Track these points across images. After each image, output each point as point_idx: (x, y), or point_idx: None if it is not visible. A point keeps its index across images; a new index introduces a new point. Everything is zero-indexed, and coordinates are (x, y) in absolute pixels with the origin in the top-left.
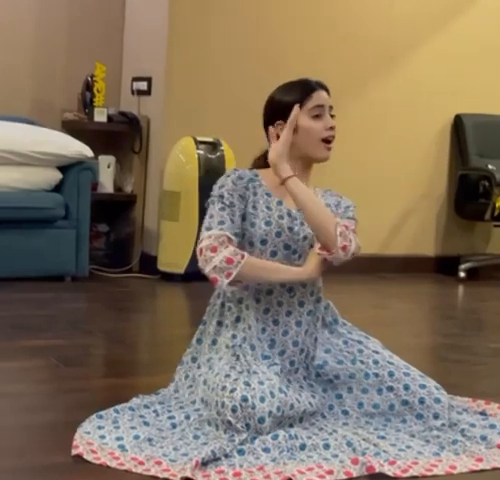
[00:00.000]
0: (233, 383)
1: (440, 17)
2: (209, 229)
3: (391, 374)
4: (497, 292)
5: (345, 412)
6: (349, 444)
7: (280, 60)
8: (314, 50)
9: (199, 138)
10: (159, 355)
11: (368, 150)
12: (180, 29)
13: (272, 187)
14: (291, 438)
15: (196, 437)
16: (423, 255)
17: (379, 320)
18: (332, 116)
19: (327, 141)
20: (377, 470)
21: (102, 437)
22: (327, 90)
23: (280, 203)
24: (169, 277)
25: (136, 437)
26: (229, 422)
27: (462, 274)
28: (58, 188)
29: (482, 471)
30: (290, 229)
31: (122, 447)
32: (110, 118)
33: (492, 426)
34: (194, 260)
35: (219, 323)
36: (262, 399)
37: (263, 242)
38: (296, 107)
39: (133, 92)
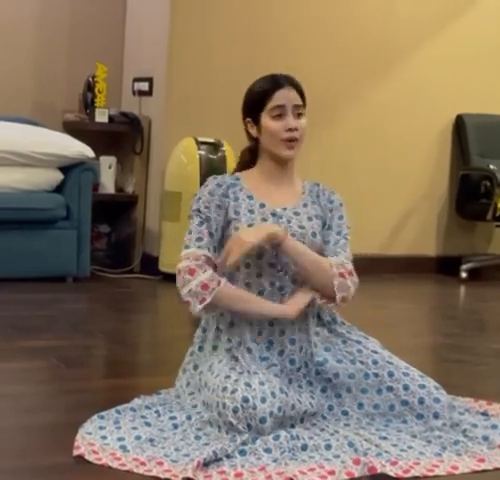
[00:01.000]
0: (234, 384)
1: (441, 18)
2: (187, 247)
3: (390, 374)
4: (499, 292)
5: (345, 413)
6: (351, 444)
7: (282, 60)
8: (316, 51)
9: (200, 138)
10: (160, 356)
11: (369, 151)
12: (181, 29)
13: (254, 189)
14: (293, 438)
15: (198, 438)
16: (424, 255)
17: (380, 320)
18: (300, 115)
19: (288, 140)
20: (379, 470)
21: (103, 438)
22: (296, 87)
23: (263, 205)
24: (170, 278)
25: (138, 438)
26: (230, 423)
27: (463, 274)
28: (59, 189)
29: (484, 471)
30: None
31: (124, 448)
32: (111, 119)
33: (494, 426)
34: None
35: (218, 329)
36: (263, 400)
37: None
38: (248, 121)
39: (134, 93)
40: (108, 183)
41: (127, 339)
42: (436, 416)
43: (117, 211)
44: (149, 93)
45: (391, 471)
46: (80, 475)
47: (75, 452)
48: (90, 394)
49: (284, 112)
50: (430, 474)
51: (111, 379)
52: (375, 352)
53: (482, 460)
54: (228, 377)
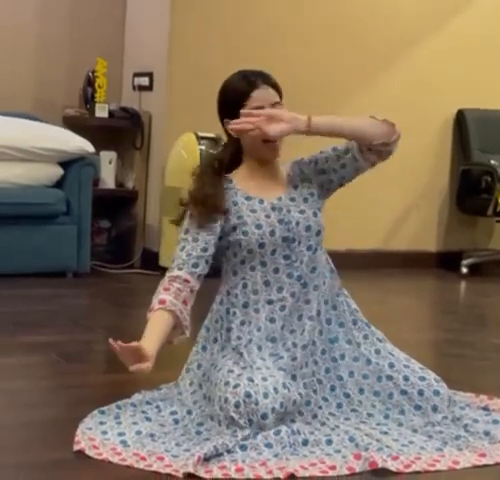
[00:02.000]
0: (236, 379)
1: (442, 13)
2: (175, 260)
3: (391, 365)
4: (499, 288)
5: (346, 395)
6: (352, 439)
7: (283, 55)
8: (317, 46)
9: (201, 134)
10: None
11: None
12: (182, 24)
13: (248, 188)
14: (293, 433)
15: (198, 433)
16: (425, 250)
17: (381, 315)
18: None
19: (269, 142)
20: (380, 465)
21: (104, 433)
22: (270, 83)
23: (261, 202)
24: None
25: (138, 433)
26: (232, 418)
27: (464, 270)
28: (59, 184)
29: (485, 466)
30: (281, 222)
31: (124, 443)
32: (111, 114)
33: (495, 421)
34: None
35: (228, 330)
36: (265, 395)
37: (261, 246)
38: (226, 121)
39: (134, 88)
40: (108, 178)
41: (127, 334)
42: (435, 409)
43: (117, 206)
44: (149, 88)
45: (392, 466)
46: (81, 470)
47: (75, 447)
48: (90, 389)
49: None
50: (431, 469)
51: (111, 374)
52: (379, 340)
53: (483, 455)
54: (231, 372)
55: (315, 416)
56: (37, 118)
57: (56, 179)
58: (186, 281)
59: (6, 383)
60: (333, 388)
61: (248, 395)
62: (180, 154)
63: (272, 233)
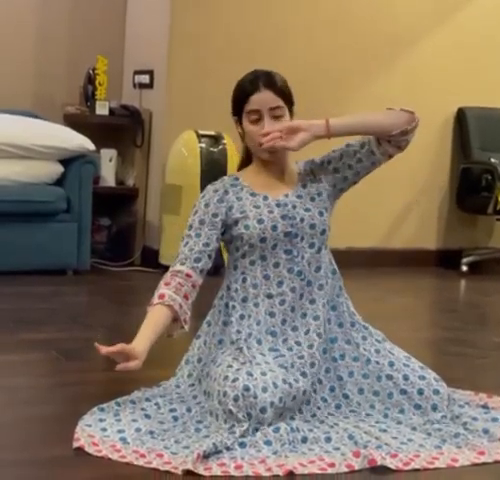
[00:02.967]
0: (235, 373)
1: (443, 10)
2: (178, 255)
3: (391, 364)
4: (499, 286)
5: (346, 396)
6: (351, 437)
7: (284, 53)
8: (317, 44)
9: (201, 131)
10: (160, 348)
11: None
12: (182, 22)
13: (254, 185)
14: (292, 431)
15: (198, 430)
16: (425, 249)
17: (380, 314)
18: (279, 117)
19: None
20: (379, 463)
21: (103, 430)
22: (274, 87)
23: (266, 198)
24: None
25: (137, 430)
26: (230, 411)
27: (464, 268)
28: (60, 181)
29: (484, 464)
30: (284, 217)
31: (124, 440)
32: (112, 111)
33: (494, 419)
34: None
35: (225, 323)
36: (264, 389)
37: (262, 240)
38: (235, 119)
39: (135, 85)
40: (109, 176)
41: (127, 332)
42: (434, 408)
43: (118, 204)
44: (150, 86)
45: (391, 464)
46: (80, 467)
47: (75, 444)
48: (90, 386)
49: (261, 116)
50: (430, 466)
51: (111, 372)
52: (378, 341)
53: (482, 453)
54: (230, 366)
55: (314, 415)
56: (37, 116)
57: (56, 177)
58: (188, 276)
59: (6, 380)
60: (332, 389)
61: (247, 389)
62: (180, 152)
63: (274, 228)
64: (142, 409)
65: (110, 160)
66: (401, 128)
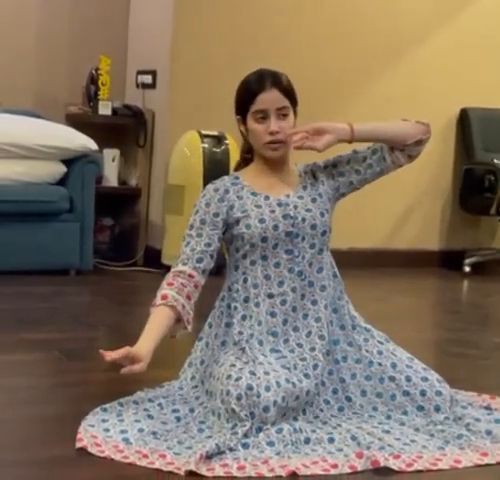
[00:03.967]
0: (238, 372)
1: (446, 11)
2: (180, 256)
3: (394, 365)
4: None
5: (348, 398)
6: (354, 438)
7: (286, 53)
8: (319, 43)
9: (204, 132)
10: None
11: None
12: (185, 22)
13: (255, 185)
14: (295, 432)
15: (200, 430)
16: (427, 249)
17: (383, 315)
18: (285, 115)
19: (271, 143)
20: (382, 464)
21: (106, 430)
22: (280, 87)
23: (267, 198)
24: None
25: (140, 430)
26: (233, 410)
27: (467, 269)
28: (62, 181)
29: (487, 465)
30: (285, 217)
31: (126, 440)
32: (115, 111)
33: (497, 421)
34: None
35: (227, 324)
36: (267, 388)
37: (264, 240)
38: (238, 119)
39: (138, 85)
40: (111, 176)
41: (129, 332)
42: (437, 409)
43: (120, 204)
44: (153, 86)
45: (394, 465)
46: (83, 467)
47: (78, 444)
48: (92, 387)
49: (266, 115)
50: (433, 468)
51: (113, 372)
52: (381, 343)
53: (485, 454)
54: (233, 366)
55: (317, 417)
56: (40, 116)
57: (59, 177)
58: (190, 276)
59: (7, 380)
60: (335, 391)
61: (250, 388)
62: (183, 152)
63: (275, 227)
64: (145, 410)
65: (113, 160)
66: (417, 138)
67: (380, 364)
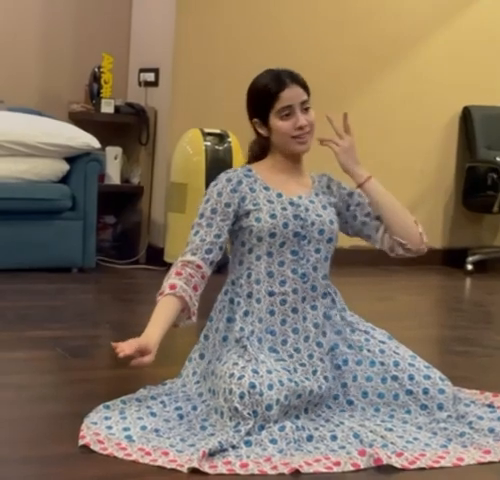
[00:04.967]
0: (241, 370)
1: (449, 9)
2: (188, 244)
3: (396, 364)
4: None
5: (350, 402)
6: (356, 436)
7: (288, 52)
8: (322, 42)
9: (206, 130)
10: (166, 347)
11: (376, 142)
12: (187, 20)
13: (268, 179)
14: (298, 429)
15: (203, 428)
16: (430, 247)
17: (385, 313)
18: (307, 109)
19: (300, 137)
20: (384, 462)
21: (109, 428)
22: (299, 82)
23: (280, 195)
24: None
25: (143, 428)
26: (236, 409)
27: (469, 267)
28: (65, 179)
29: (490, 463)
30: (296, 217)
31: (129, 438)
32: (117, 109)
33: None
34: None
35: (229, 319)
36: (270, 387)
37: (272, 235)
38: (255, 121)
39: (140, 83)
40: (114, 174)
41: (132, 330)
42: (440, 407)
43: (123, 202)
44: (155, 84)
45: (397, 462)
46: (85, 465)
47: (80, 442)
48: (95, 384)
49: (292, 111)
50: (436, 465)
51: (116, 369)
52: (382, 342)
53: (488, 452)
54: (236, 364)
55: (319, 415)
56: (43, 113)
57: (62, 174)
58: (198, 267)
59: (11, 378)
60: (336, 397)
61: (253, 386)
62: (185, 150)
63: (285, 225)
64: (148, 407)
65: (115, 158)
66: (410, 241)
67: (382, 363)
